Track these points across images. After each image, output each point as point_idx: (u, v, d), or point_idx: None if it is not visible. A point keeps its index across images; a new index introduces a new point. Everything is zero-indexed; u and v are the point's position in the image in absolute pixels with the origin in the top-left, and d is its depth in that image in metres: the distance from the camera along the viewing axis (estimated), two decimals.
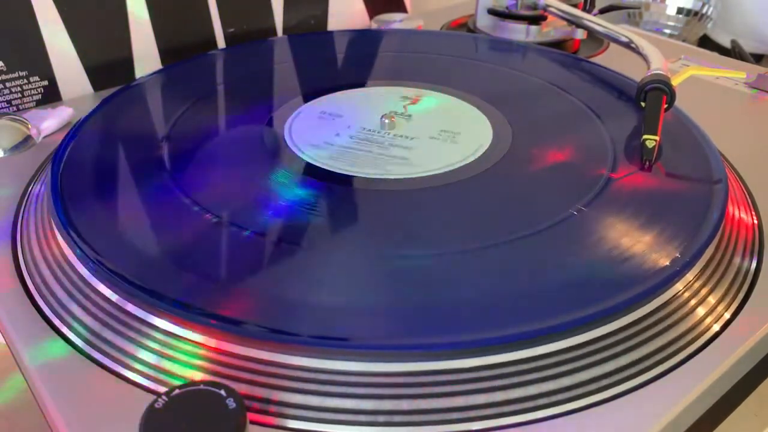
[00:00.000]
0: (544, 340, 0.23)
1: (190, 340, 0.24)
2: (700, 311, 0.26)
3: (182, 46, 0.51)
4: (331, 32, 0.53)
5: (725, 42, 0.70)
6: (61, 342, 0.25)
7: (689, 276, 0.27)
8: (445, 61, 0.47)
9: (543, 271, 0.27)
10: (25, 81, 0.44)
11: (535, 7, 0.53)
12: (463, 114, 0.39)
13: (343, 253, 0.28)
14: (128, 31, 0.48)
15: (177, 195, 0.31)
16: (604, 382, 0.23)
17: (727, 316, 0.27)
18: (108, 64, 0.48)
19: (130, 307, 0.25)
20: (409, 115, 0.39)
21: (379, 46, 0.51)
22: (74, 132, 0.36)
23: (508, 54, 0.49)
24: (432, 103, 0.41)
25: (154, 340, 0.24)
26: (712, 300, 0.27)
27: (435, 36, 0.54)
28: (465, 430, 0.22)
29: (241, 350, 0.23)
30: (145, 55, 0.49)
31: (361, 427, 0.22)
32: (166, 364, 0.24)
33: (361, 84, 0.43)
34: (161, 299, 0.24)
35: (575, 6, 0.52)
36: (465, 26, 0.59)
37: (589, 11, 0.55)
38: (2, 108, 0.44)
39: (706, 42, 0.73)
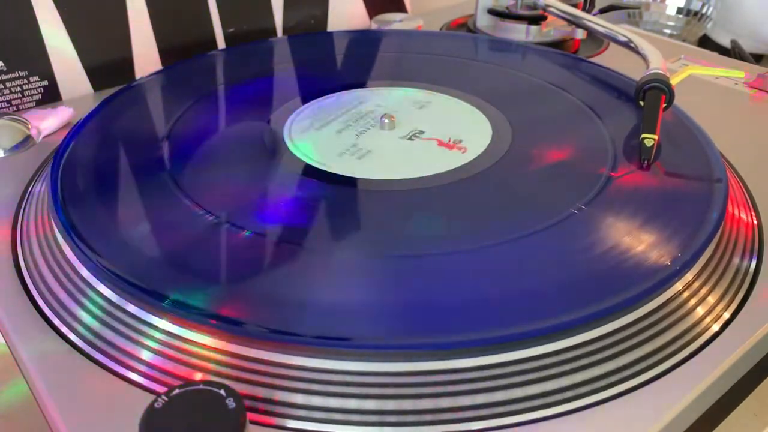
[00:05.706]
0: (544, 340, 0.23)
1: (190, 340, 0.24)
2: (700, 311, 0.26)
3: (182, 46, 0.50)
4: (331, 32, 0.53)
5: (725, 42, 0.70)
6: (61, 342, 0.25)
7: (689, 276, 0.27)
8: (444, 61, 0.47)
9: (543, 271, 0.27)
10: (25, 81, 0.44)
11: (534, 7, 0.53)
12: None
13: (343, 253, 0.28)
14: (128, 31, 0.48)
15: (177, 195, 0.31)
16: (604, 382, 0.23)
17: (726, 315, 0.27)
18: (108, 64, 0.48)
19: (130, 307, 0.25)
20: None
21: (378, 46, 0.51)
22: (74, 132, 0.36)
23: (508, 54, 0.49)
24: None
25: (154, 340, 0.24)
26: (711, 300, 0.27)
27: (435, 36, 0.54)
28: (465, 430, 0.22)
29: (241, 350, 0.23)
30: (145, 55, 0.49)
31: (361, 427, 0.22)
32: (166, 364, 0.24)
33: (361, 84, 0.43)
34: (161, 299, 0.24)
35: (575, 6, 0.52)
36: (465, 26, 0.59)
37: (589, 11, 0.55)
38: (2, 108, 0.44)
39: (706, 42, 0.73)
